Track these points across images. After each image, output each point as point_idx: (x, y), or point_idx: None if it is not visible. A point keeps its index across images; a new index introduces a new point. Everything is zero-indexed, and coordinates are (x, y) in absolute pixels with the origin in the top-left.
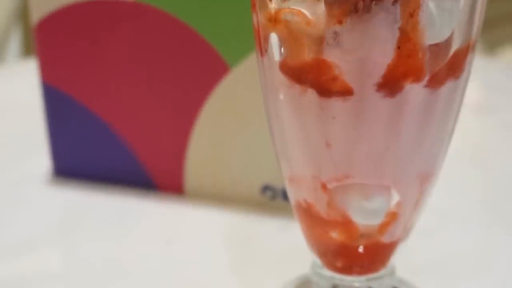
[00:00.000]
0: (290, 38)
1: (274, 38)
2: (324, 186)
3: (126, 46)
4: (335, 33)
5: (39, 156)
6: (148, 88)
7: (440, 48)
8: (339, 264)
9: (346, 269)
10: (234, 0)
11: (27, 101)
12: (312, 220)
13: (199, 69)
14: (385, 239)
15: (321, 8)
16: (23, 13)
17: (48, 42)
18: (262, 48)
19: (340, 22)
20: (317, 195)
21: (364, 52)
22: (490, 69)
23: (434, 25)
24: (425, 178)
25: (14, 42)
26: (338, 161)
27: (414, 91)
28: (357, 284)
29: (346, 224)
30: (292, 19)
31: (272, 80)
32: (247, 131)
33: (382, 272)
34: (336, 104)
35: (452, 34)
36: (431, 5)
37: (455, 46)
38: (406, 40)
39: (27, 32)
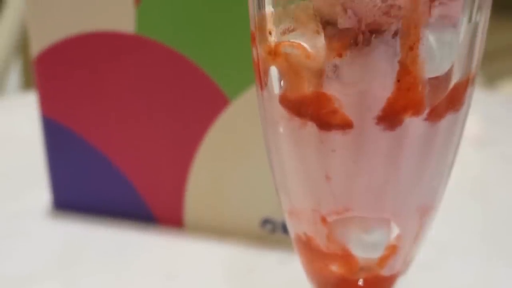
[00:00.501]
0: (290, 71)
1: (274, 71)
2: (324, 219)
3: (126, 78)
4: (335, 66)
5: (39, 189)
6: (147, 121)
7: (440, 81)
8: None
9: None
10: (233, 34)
11: (27, 134)
12: (312, 253)
13: (199, 102)
14: (385, 272)
15: (321, 41)
16: (23, 45)
17: (48, 75)
18: (262, 81)
19: (340, 55)
20: (317, 228)
21: (364, 85)
22: (490, 102)
23: (434, 58)
24: (425, 211)
25: (14, 75)
26: (338, 194)
27: (414, 124)
28: None
29: (346, 257)
30: (292, 52)
31: (271, 113)
32: (247, 164)
33: None
34: (336, 137)
35: (452, 67)
36: (431, 38)
37: (455, 79)
38: (406, 73)
39: (27, 65)
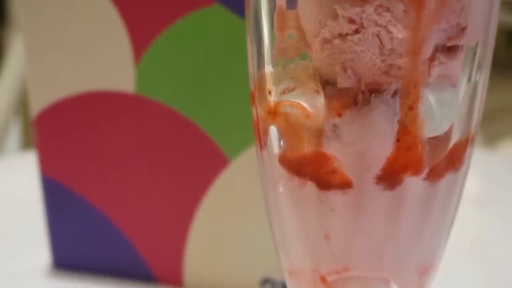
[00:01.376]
0: (290, 130)
1: (273, 131)
2: (323, 279)
3: (125, 138)
4: (335, 125)
5: (39, 248)
6: (147, 181)
7: (439, 140)
8: None
9: None
10: (233, 93)
11: (26, 193)
12: None
13: (199, 162)
14: None
15: (321, 100)
16: (22, 105)
17: (47, 134)
18: (262, 141)
19: (339, 115)
20: None
21: (364, 145)
22: (490, 161)
23: (434, 118)
24: (425, 270)
25: (14, 135)
26: (337, 254)
27: (414, 184)
28: None
29: None
30: (291, 112)
31: (271, 173)
32: (247, 223)
33: None
34: (335, 196)
35: (451, 126)
36: (431, 98)
37: (454, 139)
38: (406, 133)
39: (27, 124)
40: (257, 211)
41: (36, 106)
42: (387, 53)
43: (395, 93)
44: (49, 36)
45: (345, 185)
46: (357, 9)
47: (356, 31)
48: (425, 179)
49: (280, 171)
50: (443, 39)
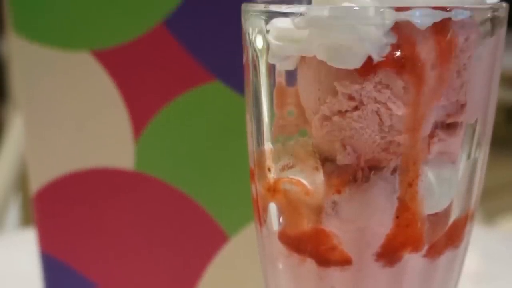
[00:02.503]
0: (289, 207)
1: (273, 207)
2: None
3: (125, 215)
4: (334, 202)
5: None
6: (147, 257)
7: (439, 217)
8: None
9: None
10: (233, 170)
11: (26, 270)
12: None
13: (198, 238)
14: None
15: (320, 177)
16: (22, 182)
17: (47, 211)
18: (261, 218)
19: (339, 192)
20: None
21: (363, 221)
22: (489, 238)
23: (433, 194)
24: None
25: (13, 211)
26: None
27: (413, 261)
28: None
29: None
30: (291, 189)
31: (271, 250)
32: None
33: None
34: (335, 273)
35: (451, 203)
36: (430, 175)
37: (454, 216)
38: (405, 210)
39: (26, 201)
40: None
41: (36, 183)
42: (386, 130)
43: (394, 170)
44: (48, 113)
45: (345, 262)
46: (357, 86)
47: (356, 108)
48: (425, 256)
49: (279, 247)
50: (443, 116)
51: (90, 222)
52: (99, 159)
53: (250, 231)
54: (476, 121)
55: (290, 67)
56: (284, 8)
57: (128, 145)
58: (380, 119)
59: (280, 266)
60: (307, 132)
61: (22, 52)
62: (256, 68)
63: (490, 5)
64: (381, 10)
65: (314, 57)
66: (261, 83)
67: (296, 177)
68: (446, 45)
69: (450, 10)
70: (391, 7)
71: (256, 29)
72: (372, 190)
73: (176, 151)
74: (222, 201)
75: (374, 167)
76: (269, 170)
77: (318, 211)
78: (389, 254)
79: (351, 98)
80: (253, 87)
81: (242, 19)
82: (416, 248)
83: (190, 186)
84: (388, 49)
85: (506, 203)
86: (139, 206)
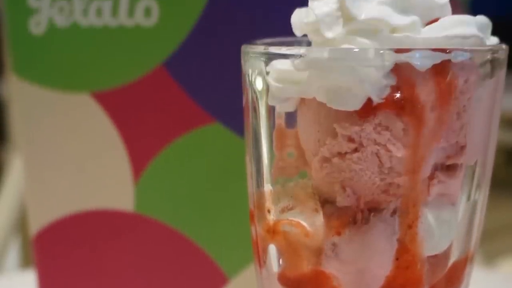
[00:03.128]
0: (289, 249)
1: (272, 249)
2: None
3: (125, 257)
4: (334, 244)
5: None
6: None
7: (438, 259)
8: None
9: None
10: (232, 212)
11: None
12: None
13: (198, 280)
14: None
15: (320, 219)
16: (21, 223)
17: (46, 253)
18: (261, 260)
19: (338, 234)
20: None
21: (363, 263)
22: (489, 280)
23: (433, 236)
24: None
25: (13, 253)
26: None
27: None
28: None
29: None
30: (290, 231)
31: None
32: None
33: None
34: None
35: (450, 245)
36: (430, 217)
37: (453, 258)
38: (405, 252)
39: (26, 243)
40: None
41: (36, 224)
42: (386, 171)
43: (394, 212)
44: (48, 154)
45: None
46: (356, 128)
47: (355, 150)
48: None
49: None
50: (443, 157)
51: (90, 264)
52: (99, 200)
53: (249, 272)
54: (476, 163)
55: (290, 108)
56: (284, 49)
57: (128, 186)
58: (380, 161)
59: None
60: (307, 174)
61: (22, 94)
62: (255, 109)
63: (490, 47)
64: (381, 51)
65: (314, 98)
66: (261, 124)
67: (296, 219)
68: (446, 87)
69: (450, 52)
70: (390, 49)
71: (256, 71)
72: (372, 232)
73: (175, 192)
74: (222, 243)
75: (373, 209)
76: (268, 211)
77: (318, 253)
78: None
79: (350, 140)
80: (253, 129)
81: (242, 61)
82: None
83: (190, 227)
84: (387, 91)
85: (506, 245)
86: (139, 247)
